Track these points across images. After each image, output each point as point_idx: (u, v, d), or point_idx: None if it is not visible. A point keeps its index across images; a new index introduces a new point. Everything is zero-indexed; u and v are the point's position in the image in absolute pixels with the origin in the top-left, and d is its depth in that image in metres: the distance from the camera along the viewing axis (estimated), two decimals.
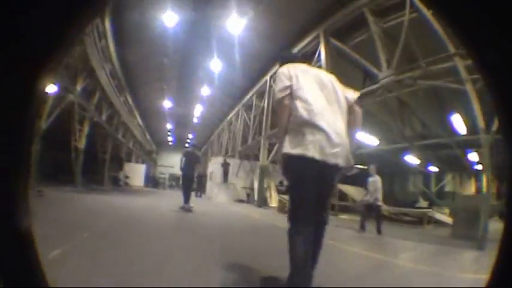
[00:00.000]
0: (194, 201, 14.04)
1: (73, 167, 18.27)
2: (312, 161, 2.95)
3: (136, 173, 38.31)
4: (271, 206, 21.79)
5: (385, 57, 12.16)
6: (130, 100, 31.39)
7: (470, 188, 24.08)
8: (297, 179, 3.13)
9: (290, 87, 3.18)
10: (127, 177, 35.46)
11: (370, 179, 11.52)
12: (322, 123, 3.02)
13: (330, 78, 3.43)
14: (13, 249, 1.07)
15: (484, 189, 10.12)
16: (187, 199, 12.17)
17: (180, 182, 15.18)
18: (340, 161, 3.06)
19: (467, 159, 18.85)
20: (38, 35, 0.99)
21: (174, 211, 11.71)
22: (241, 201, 25.04)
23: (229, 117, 33.92)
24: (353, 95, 3.52)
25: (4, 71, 0.98)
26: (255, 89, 25.08)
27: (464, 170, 22.52)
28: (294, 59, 3.70)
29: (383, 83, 12.11)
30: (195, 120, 41.76)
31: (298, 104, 3.11)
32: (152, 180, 46.58)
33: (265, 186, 22.57)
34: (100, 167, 25.77)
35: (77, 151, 18.24)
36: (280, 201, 18.37)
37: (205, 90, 28.89)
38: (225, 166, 26.15)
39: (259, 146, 23.66)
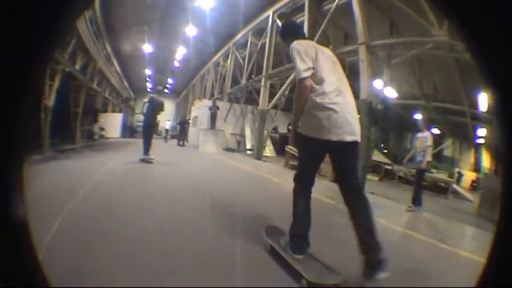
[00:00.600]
0: (176, 151, 15.31)
1: (41, 129, 15.02)
2: (326, 142, 3.18)
3: (112, 123, 34.45)
4: (267, 156, 19.74)
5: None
6: (108, 46, 28.34)
7: (469, 158, 24.48)
8: (308, 154, 3.48)
9: (313, 68, 3.29)
10: (102, 129, 32.15)
11: (419, 135, 9.11)
12: (337, 106, 3.18)
13: (335, 58, 3.60)
14: (7, 240, 1.00)
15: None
16: (147, 150, 11.29)
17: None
18: (357, 138, 3.24)
19: (474, 131, 19.13)
20: None
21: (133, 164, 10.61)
22: (230, 149, 22.26)
23: (216, 58, 30.07)
24: None
25: None
26: (251, 26, 21.96)
27: (466, 139, 22.06)
28: (303, 35, 3.84)
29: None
30: (176, 63, 38.01)
31: (317, 87, 3.25)
32: (130, 129, 43.34)
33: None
34: (73, 122, 22.18)
35: (46, 110, 14.78)
36: (287, 152, 15.68)
37: (190, 30, 24.99)
38: (214, 109, 22.42)
39: (253, 88, 21.51)
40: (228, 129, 23.75)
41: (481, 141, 21.01)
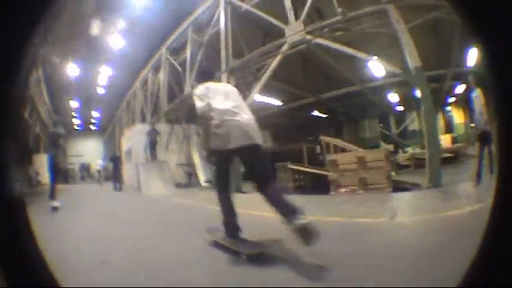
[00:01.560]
0: (113, 201, 12.50)
1: None
2: (230, 150, 4.11)
3: (46, 166, 26.96)
4: None
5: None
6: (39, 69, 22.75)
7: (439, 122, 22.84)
8: (219, 164, 4.44)
9: (209, 103, 4.25)
10: (37, 173, 25.13)
11: (474, 95, 7.70)
12: (231, 123, 4.10)
13: (228, 89, 4.74)
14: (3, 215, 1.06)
15: None
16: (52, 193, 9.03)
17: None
18: (255, 141, 4.10)
19: (388, 100, 20.96)
20: None
21: None
22: (181, 185, 16.40)
23: (143, 74, 24.12)
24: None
25: None
26: (190, 20, 17.55)
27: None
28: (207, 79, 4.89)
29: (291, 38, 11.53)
30: (100, 90, 31.46)
31: (212, 114, 4.19)
32: (63, 173, 36.00)
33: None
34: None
35: None
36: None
37: (115, 42, 19.85)
38: (153, 135, 16.71)
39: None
40: (172, 159, 17.90)
41: (453, 99, 21.96)
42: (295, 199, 7.99)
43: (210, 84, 4.60)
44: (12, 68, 1.20)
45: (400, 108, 24.16)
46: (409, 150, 20.28)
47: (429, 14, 10.87)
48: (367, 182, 9.27)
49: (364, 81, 17.84)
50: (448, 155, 14.22)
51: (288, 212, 3.64)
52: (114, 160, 19.02)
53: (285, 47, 11.69)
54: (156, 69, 21.44)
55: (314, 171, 10.67)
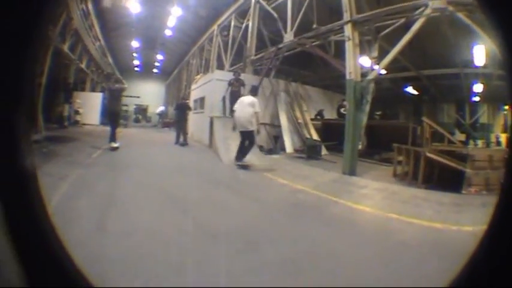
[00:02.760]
0: (176, 155, 12.17)
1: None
2: (239, 132, 10.12)
3: (91, 106, 24.74)
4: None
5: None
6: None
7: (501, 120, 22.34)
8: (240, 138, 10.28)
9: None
10: (77, 112, 23.02)
11: None
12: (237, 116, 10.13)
13: (247, 101, 10.14)
14: (16, 189, 1.04)
15: None
16: (112, 136, 11.42)
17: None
18: (248, 128, 9.83)
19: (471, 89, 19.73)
20: None
21: None
22: (265, 151, 13.89)
23: (223, 18, 21.21)
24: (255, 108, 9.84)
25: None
26: None
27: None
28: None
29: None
30: (167, 32, 29.16)
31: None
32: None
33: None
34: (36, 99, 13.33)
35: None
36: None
37: None
38: (237, 85, 13.82)
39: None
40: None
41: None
42: (427, 196, 7.55)
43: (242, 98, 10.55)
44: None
45: (476, 99, 22.19)
46: (480, 143, 19.57)
47: None
48: (493, 181, 8.11)
49: (464, 66, 16.95)
50: None
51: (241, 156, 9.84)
52: (181, 108, 15.88)
53: (428, 10, 9.66)
54: (241, 14, 18.66)
55: (456, 165, 8.50)
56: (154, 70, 45.34)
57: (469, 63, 15.98)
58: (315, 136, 14.94)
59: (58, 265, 1.08)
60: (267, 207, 6.06)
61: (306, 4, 13.50)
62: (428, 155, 8.62)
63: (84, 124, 22.47)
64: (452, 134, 19.78)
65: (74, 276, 1.11)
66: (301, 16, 13.57)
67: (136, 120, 40.76)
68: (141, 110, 44.38)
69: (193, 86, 20.68)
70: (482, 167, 8.29)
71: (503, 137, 20.53)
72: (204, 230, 4.41)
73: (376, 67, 11.42)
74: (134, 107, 43.74)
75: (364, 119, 11.04)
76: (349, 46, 10.43)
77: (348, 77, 10.25)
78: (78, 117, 22.61)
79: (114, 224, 4.26)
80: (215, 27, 22.73)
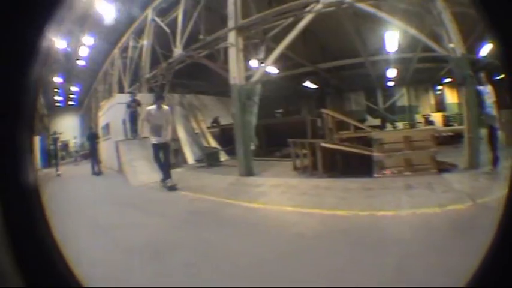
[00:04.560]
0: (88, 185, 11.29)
1: None
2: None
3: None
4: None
5: None
6: None
7: (429, 101, 23.86)
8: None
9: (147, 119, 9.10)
10: None
11: (482, 88, 7.93)
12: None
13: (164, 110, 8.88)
14: (19, 203, 1.04)
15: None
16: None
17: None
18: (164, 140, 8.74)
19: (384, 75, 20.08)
20: None
21: None
22: None
23: (123, 40, 20.29)
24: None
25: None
26: None
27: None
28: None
29: None
30: (81, 62, 27.80)
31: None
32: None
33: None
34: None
35: None
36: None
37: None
38: (133, 106, 13.30)
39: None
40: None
41: (449, 80, 20.82)
42: (330, 184, 7.72)
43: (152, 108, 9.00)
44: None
45: (391, 83, 22.98)
46: (400, 125, 20.38)
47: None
48: (413, 162, 8.20)
49: (375, 54, 16.92)
50: (450, 134, 13.49)
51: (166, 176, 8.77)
52: (91, 137, 15.46)
53: (318, 6, 9.81)
54: (138, 33, 18.08)
55: (357, 151, 8.78)
56: (71, 102, 43.34)
57: (381, 50, 16.11)
58: (213, 144, 15.06)
59: (52, 266, 1.07)
60: (170, 219, 6.23)
61: (194, 16, 13.43)
62: (323, 145, 8.65)
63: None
64: (364, 120, 20.71)
65: (68, 276, 1.12)
66: (190, 28, 13.47)
67: (63, 158, 38.58)
68: (65, 146, 42.26)
69: (99, 113, 19.71)
70: (396, 149, 8.33)
71: (436, 117, 21.75)
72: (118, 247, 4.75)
73: (262, 68, 11.42)
74: (59, 144, 41.48)
75: (254, 120, 10.64)
76: (232, 52, 10.57)
77: (232, 81, 10.32)
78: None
79: None
80: (116, 50, 21.79)
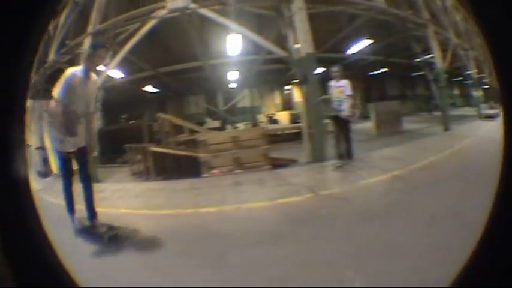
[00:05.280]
0: None
1: None
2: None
3: None
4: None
5: None
6: None
7: (274, 100, 25.03)
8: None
9: None
10: None
11: (333, 83, 8.16)
12: None
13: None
14: (10, 199, 1.00)
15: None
16: None
17: None
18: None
19: (225, 78, 20.50)
20: None
21: None
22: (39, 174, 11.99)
23: None
24: None
25: None
26: None
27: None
28: None
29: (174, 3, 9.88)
30: None
31: None
32: None
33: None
34: None
35: None
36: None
37: None
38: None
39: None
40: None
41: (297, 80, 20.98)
42: (162, 186, 7.73)
43: None
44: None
45: (233, 85, 23.48)
46: (240, 126, 20.23)
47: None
48: (243, 161, 8.55)
49: (216, 57, 16.97)
50: (294, 130, 13.96)
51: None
52: None
53: (163, 12, 9.97)
54: None
55: (182, 153, 9.01)
56: None
57: (223, 54, 15.99)
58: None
59: (46, 265, 1.05)
60: None
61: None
62: (153, 149, 8.88)
63: None
64: (203, 123, 20.76)
65: (61, 276, 1.09)
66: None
67: None
68: None
69: None
70: (223, 149, 8.59)
71: (282, 115, 22.72)
72: None
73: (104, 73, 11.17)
74: None
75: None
76: (83, 59, 9.95)
77: None
78: None
79: None
80: None
